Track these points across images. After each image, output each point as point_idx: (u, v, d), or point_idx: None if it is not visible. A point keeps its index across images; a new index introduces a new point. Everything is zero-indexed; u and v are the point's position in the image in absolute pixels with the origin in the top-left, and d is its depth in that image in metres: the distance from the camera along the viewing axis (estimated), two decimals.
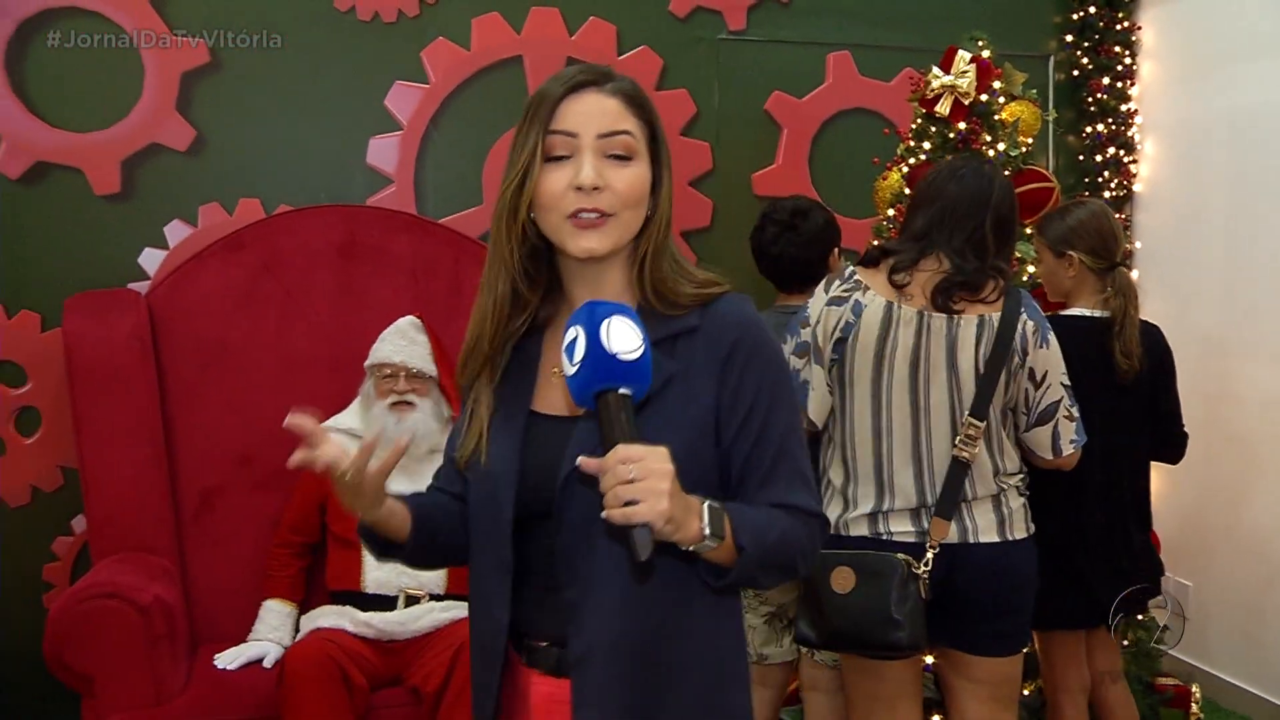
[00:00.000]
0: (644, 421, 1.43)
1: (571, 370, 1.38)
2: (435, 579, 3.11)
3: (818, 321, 2.43)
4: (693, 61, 3.93)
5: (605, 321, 1.38)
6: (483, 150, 3.75)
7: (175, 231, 3.59)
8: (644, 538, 1.32)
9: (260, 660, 3.10)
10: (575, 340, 1.38)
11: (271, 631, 3.18)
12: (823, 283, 2.49)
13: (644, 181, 1.51)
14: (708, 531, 1.39)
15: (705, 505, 1.40)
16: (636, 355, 1.38)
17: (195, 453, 3.38)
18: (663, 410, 1.48)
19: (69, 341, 3.24)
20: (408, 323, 3.25)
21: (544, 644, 1.53)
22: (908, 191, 3.36)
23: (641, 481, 1.31)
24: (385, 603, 3.08)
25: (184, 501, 3.36)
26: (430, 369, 3.22)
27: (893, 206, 3.41)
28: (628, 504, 1.31)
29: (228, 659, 3.11)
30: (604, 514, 1.33)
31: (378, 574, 3.09)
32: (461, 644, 2.89)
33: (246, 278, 3.45)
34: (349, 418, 3.28)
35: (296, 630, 3.18)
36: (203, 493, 3.37)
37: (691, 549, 1.40)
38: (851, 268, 2.47)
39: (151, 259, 3.58)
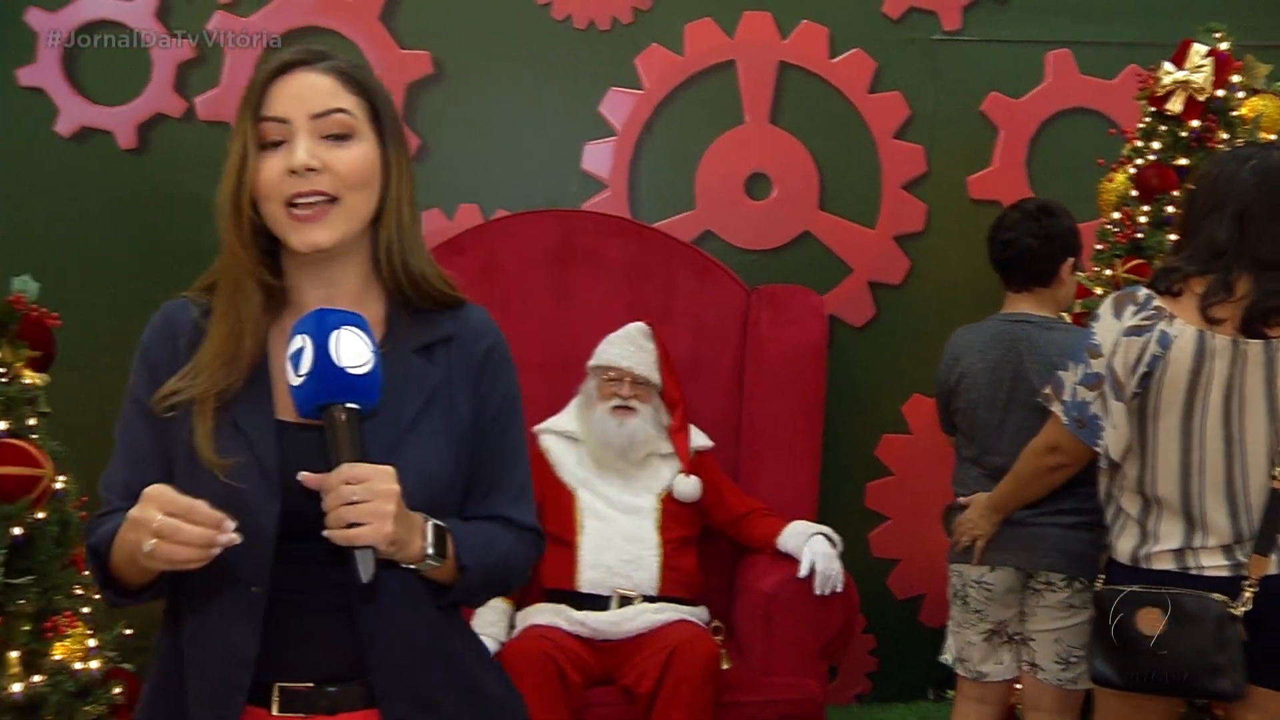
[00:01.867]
0: (405, 432, 1.41)
1: (297, 381, 1.32)
2: (649, 580, 3.15)
3: (1113, 353, 2.27)
4: (906, 63, 3.86)
5: (335, 332, 1.31)
6: (695, 154, 3.78)
7: None
8: (366, 559, 1.29)
9: None
10: (302, 350, 1.31)
11: (488, 627, 3.26)
12: (1107, 307, 2.32)
13: (368, 161, 1.41)
14: (430, 551, 1.36)
15: (430, 525, 1.37)
16: (366, 369, 1.32)
17: None
18: (429, 424, 1.43)
19: None
20: (636, 329, 3.30)
21: (313, 684, 1.39)
22: (1134, 193, 3.23)
23: (366, 503, 1.27)
24: (598, 602, 3.14)
25: None
26: (655, 377, 3.26)
27: (1118, 209, 3.28)
28: (351, 525, 1.27)
29: None
30: (325, 533, 1.28)
31: (591, 574, 3.15)
32: (676, 646, 2.92)
33: (466, 281, 3.45)
34: (566, 420, 3.35)
35: (511, 627, 3.27)
36: None
37: (414, 567, 1.36)
38: (1146, 292, 2.28)
39: None
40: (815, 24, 3.80)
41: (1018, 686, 2.88)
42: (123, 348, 3.99)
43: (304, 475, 1.30)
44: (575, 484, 3.26)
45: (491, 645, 3.20)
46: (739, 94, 3.78)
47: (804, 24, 3.80)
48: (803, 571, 3.07)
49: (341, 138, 1.40)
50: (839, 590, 3.08)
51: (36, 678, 2.47)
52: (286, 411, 1.40)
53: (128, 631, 2.79)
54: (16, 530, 2.47)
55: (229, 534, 1.26)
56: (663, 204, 3.79)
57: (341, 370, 1.30)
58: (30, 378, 2.64)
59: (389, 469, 1.30)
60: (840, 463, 3.74)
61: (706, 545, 3.39)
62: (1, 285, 2.65)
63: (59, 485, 2.63)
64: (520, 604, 3.32)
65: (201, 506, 1.26)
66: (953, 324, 3.02)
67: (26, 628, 2.51)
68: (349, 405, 1.32)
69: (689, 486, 3.26)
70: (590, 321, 3.44)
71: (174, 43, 3.64)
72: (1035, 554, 2.73)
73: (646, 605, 3.13)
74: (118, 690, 2.68)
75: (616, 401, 3.24)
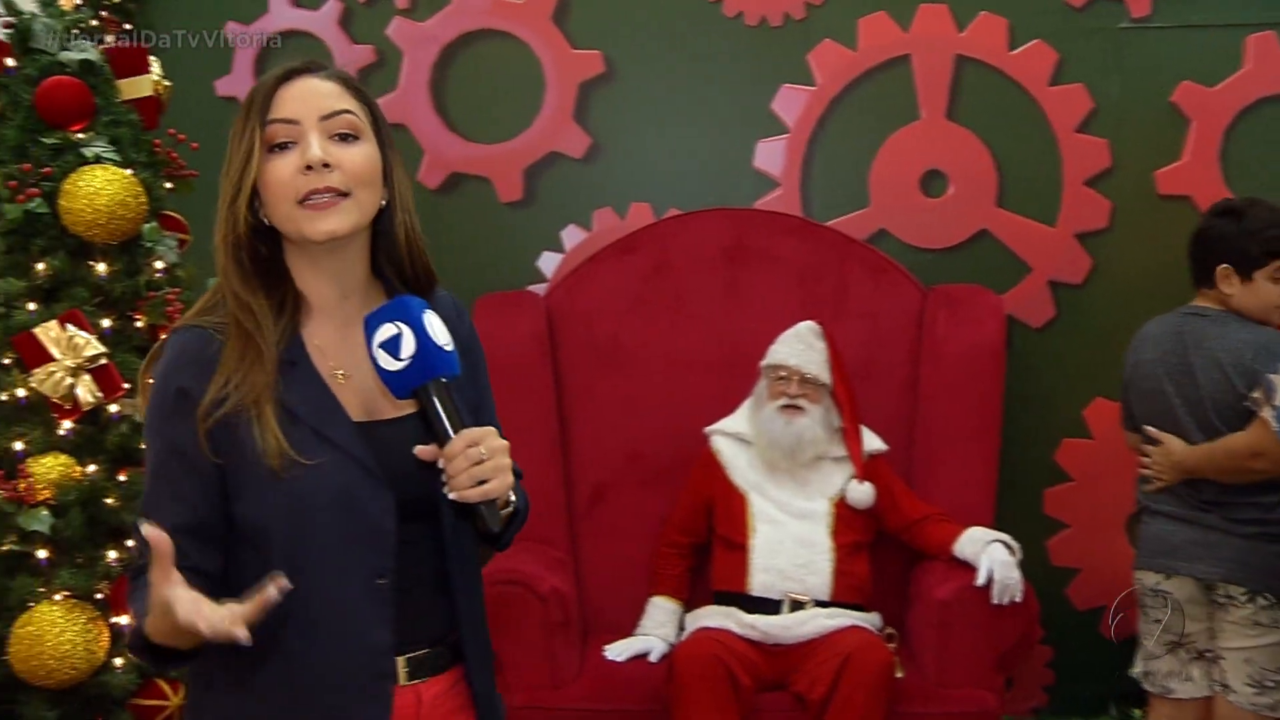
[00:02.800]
0: (461, 397, 1.48)
1: (398, 365, 1.39)
2: (821, 585, 3.11)
3: None
4: (1090, 53, 3.71)
5: (424, 314, 1.40)
6: (869, 151, 3.70)
7: (571, 235, 3.77)
8: (493, 511, 1.40)
9: (647, 654, 3.20)
10: (399, 337, 1.39)
11: (658, 628, 3.28)
12: None
13: (374, 161, 1.47)
14: (513, 497, 1.49)
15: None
16: (451, 345, 1.42)
17: (588, 448, 3.53)
18: (462, 388, 1.51)
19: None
20: (807, 328, 3.26)
21: (426, 649, 1.50)
22: None
23: (490, 460, 1.37)
24: (770, 606, 3.10)
25: (577, 495, 3.52)
26: (825, 376, 3.21)
27: None
28: (481, 482, 1.37)
29: (616, 651, 3.23)
30: (453, 495, 1.37)
31: (763, 577, 3.12)
32: (849, 653, 2.87)
33: (638, 280, 3.57)
34: (738, 421, 3.32)
35: (681, 628, 3.27)
36: (595, 488, 3.52)
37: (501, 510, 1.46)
38: None
39: (549, 262, 3.77)
40: (994, 15, 3.68)
41: None
42: None
43: (420, 449, 1.40)
44: (747, 487, 3.23)
45: (660, 646, 3.21)
46: (914, 89, 3.69)
47: (982, 15, 3.68)
48: (980, 579, 2.98)
49: (348, 137, 1.45)
50: (1018, 600, 2.98)
51: None
52: (356, 412, 1.48)
53: None
54: None
55: (278, 588, 1.31)
56: (836, 202, 3.72)
57: (440, 348, 1.40)
58: None
59: (492, 428, 1.42)
60: (1018, 468, 3.62)
61: (879, 550, 3.33)
62: (199, 286, 2.76)
63: None
64: (690, 605, 3.31)
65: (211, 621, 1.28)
66: (1137, 324, 2.92)
67: None
68: (442, 379, 1.41)
69: (862, 493, 3.20)
70: (763, 321, 3.40)
71: (355, 49, 3.74)
72: (1213, 563, 2.64)
73: (818, 610, 3.09)
74: None
75: (784, 400, 3.20)
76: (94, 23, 2.91)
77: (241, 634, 1.27)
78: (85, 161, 2.57)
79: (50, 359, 2.48)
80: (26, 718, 2.48)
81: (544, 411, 3.47)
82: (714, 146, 3.75)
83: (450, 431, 1.39)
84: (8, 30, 2.64)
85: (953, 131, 3.69)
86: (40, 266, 2.55)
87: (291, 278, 1.51)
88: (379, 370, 1.41)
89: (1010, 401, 3.50)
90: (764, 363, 3.28)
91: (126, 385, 2.54)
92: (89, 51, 2.66)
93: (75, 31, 2.71)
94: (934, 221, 3.71)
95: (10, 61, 2.62)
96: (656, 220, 3.70)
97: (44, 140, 2.59)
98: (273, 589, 1.30)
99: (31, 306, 2.55)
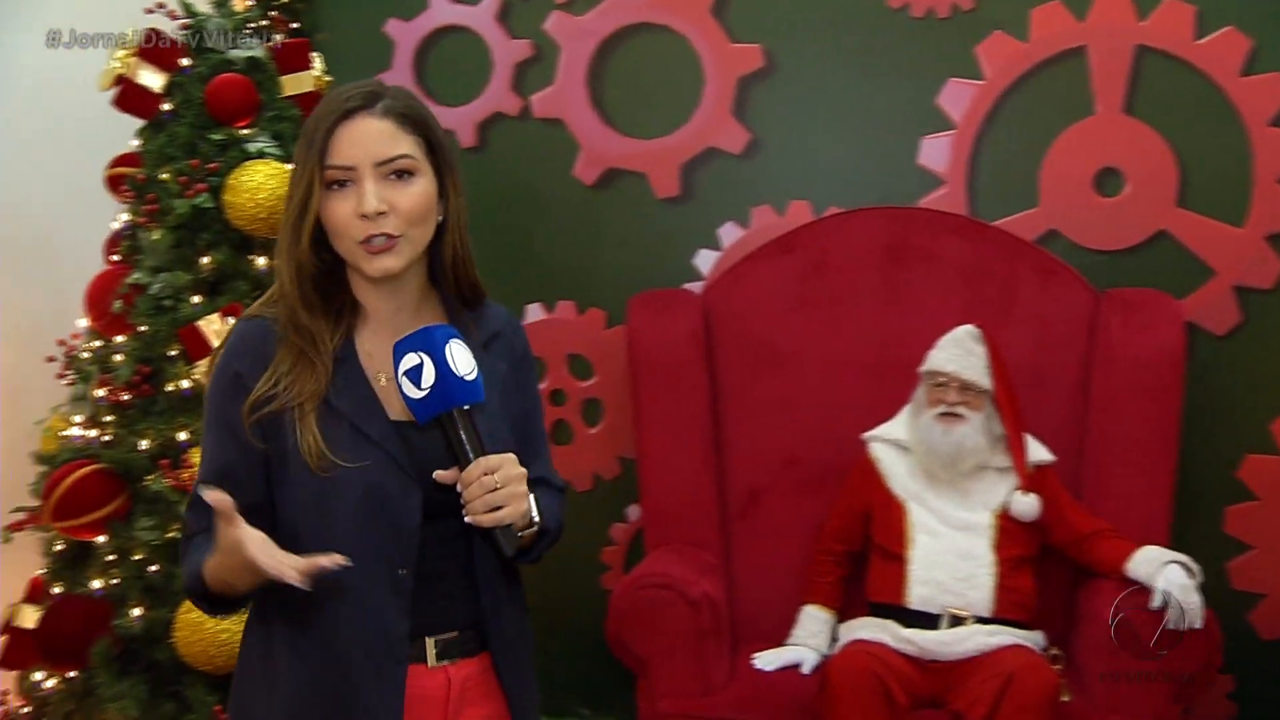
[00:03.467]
0: (492, 420, 1.59)
1: (419, 394, 1.48)
2: (983, 600, 2.97)
3: None
4: None
5: (447, 346, 1.48)
6: (1040, 148, 3.53)
7: (728, 233, 3.70)
8: (509, 535, 1.49)
9: (798, 665, 3.12)
10: (420, 366, 1.47)
11: (810, 638, 3.19)
12: None
13: (428, 196, 1.55)
14: (535, 519, 1.56)
15: (530, 497, 1.56)
16: (475, 374, 1.50)
17: (743, 451, 3.46)
18: (500, 410, 1.62)
19: (633, 338, 3.43)
20: (966, 332, 3.12)
21: (455, 633, 1.60)
22: None
23: (504, 488, 1.47)
24: (928, 620, 2.98)
25: (730, 499, 3.45)
26: (984, 382, 3.07)
27: None
28: (494, 509, 1.46)
29: (766, 660, 3.15)
30: (469, 519, 1.47)
31: (922, 590, 3.01)
32: (1012, 672, 2.74)
33: (796, 280, 3.48)
34: (896, 427, 3.21)
35: (834, 639, 3.17)
36: (749, 492, 3.44)
37: (520, 533, 1.54)
38: None
39: (705, 260, 3.71)
40: (1180, 2, 3.47)
41: None
42: None
43: (439, 474, 1.50)
44: (906, 496, 3.12)
45: (812, 657, 3.12)
46: (1090, 82, 3.51)
47: (1166, 2, 3.48)
48: (1156, 603, 2.81)
49: (404, 174, 1.53)
50: (1197, 626, 2.80)
51: None
52: (395, 412, 1.58)
53: None
54: None
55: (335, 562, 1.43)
56: (1004, 201, 3.56)
57: (461, 379, 1.48)
58: None
59: (512, 456, 1.51)
60: (1197, 484, 3.42)
61: (1044, 565, 3.17)
62: None
63: None
64: (843, 615, 3.22)
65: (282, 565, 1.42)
66: None
67: None
68: (464, 406, 1.50)
69: (1027, 506, 3.05)
70: (924, 324, 3.27)
71: (513, 44, 3.73)
72: None
73: (979, 626, 2.96)
74: None
75: (943, 408, 3.08)
76: (264, 22, 2.97)
77: (295, 577, 1.40)
78: (249, 157, 2.61)
79: (213, 351, 2.52)
80: (190, 700, 2.53)
81: (698, 412, 3.41)
82: (876, 143, 3.63)
83: (470, 457, 1.49)
84: (184, 31, 2.70)
85: (1130, 126, 3.49)
86: (205, 260, 2.61)
87: (350, 288, 1.62)
88: (403, 396, 1.50)
89: (1190, 413, 3.30)
90: (923, 368, 3.16)
91: None
92: (255, 49, 2.71)
93: (246, 30, 2.76)
94: (1108, 221, 3.52)
95: (185, 61, 2.67)
96: (816, 218, 3.60)
97: (211, 136, 2.65)
98: (327, 560, 1.42)
99: (196, 299, 2.60)
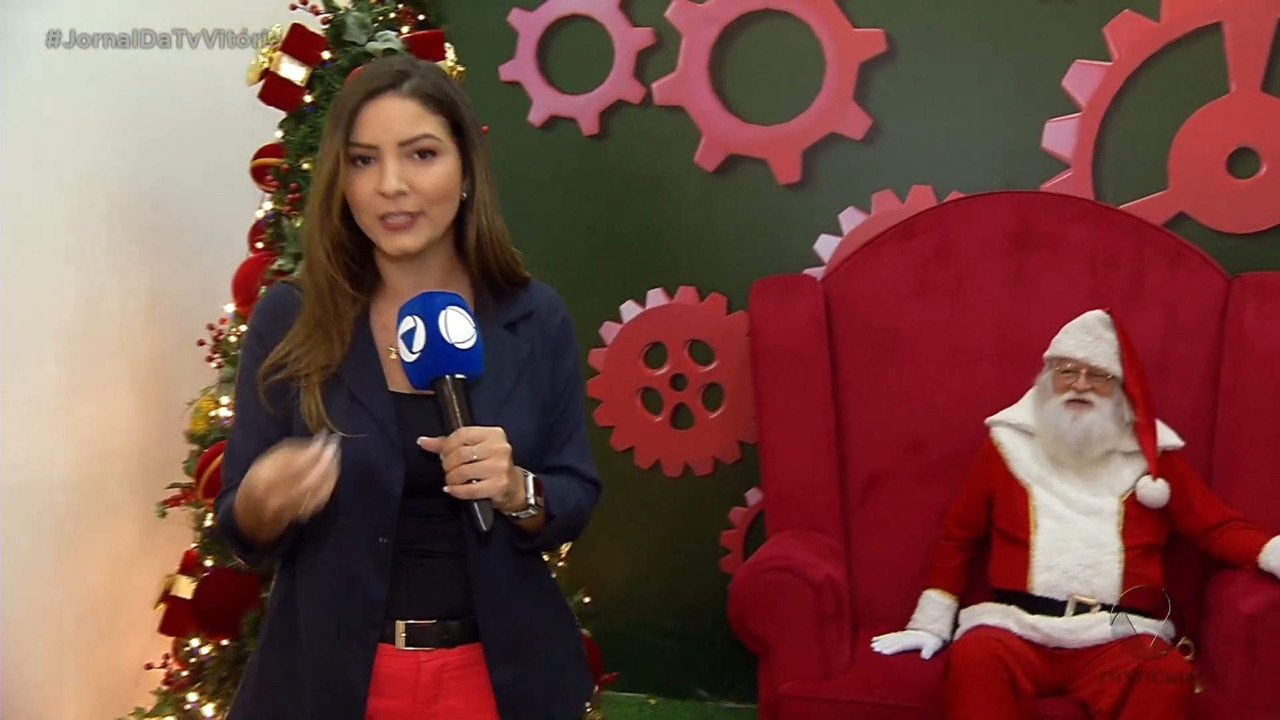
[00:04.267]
0: (505, 398, 1.59)
1: (411, 358, 1.49)
2: (1109, 587, 2.94)
3: None
4: None
5: (442, 313, 1.48)
6: (1170, 129, 3.46)
7: (849, 218, 3.70)
8: (485, 510, 1.47)
9: (918, 650, 3.12)
10: (414, 330, 1.48)
11: (931, 623, 3.19)
12: None
13: (450, 176, 1.56)
14: (532, 501, 1.54)
15: (530, 478, 1.56)
16: (470, 344, 1.49)
17: (864, 437, 3.47)
18: (521, 392, 1.62)
19: (754, 324, 3.45)
20: (1095, 317, 3.08)
21: (431, 621, 1.58)
22: None
23: (483, 461, 1.45)
24: (1053, 607, 2.96)
25: (851, 484, 3.46)
26: (1115, 369, 3.04)
27: None
28: (470, 480, 1.44)
29: (886, 644, 3.16)
30: (447, 489, 1.46)
31: (1046, 576, 2.98)
32: (1141, 664, 2.71)
33: (918, 265, 3.47)
34: (1021, 412, 3.18)
35: (955, 624, 3.17)
36: (870, 477, 3.45)
37: (515, 516, 1.54)
38: None
39: (826, 245, 3.71)
40: None
41: None
42: (580, 320, 4.25)
43: (424, 440, 1.49)
44: (1030, 481, 3.10)
45: (932, 642, 3.12)
46: (1224, 60, 3.43)
47: None
48: None
49: (427, 153, 1.55)
50: None
51: None
52: (397, 384, 1.58)
53: (587, 599, 2.94)
54: None
55: (328, 448, 1.43)
56: (1131, 184, 3.50)
57: (452, 346, 1.48)
58: None
59: (499, 430, 1.49)
60: None
61: (1171, 554, 3.13)
62: None
63: None
64: (965, 601, 3.21)
65: (294, 456, 1.42)
66: None
67: None
68: (458, 376, 1.49)
69: (1155, 492, 3.01)
70: (1049, 309, 3.25)
71: (634, 32, 3.77)
72: None
73: (1105, 614, 2.93)
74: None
75: (1071, 395, 3.04)
76: (392, 15, 3.05)
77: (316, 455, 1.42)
78: None
79: None
80: None
81: (820, 398, 3.42)
82: (999, 127, 3.59)
83: (455, 426, 1.48)
84: (325, 26, 2.79)
85: (1268, 105, 3.41)
86: None
87: (374, 260, 1.64)
88: (400, 359, 1.52)
89: None
90: (1048, 354, 3.13)
91: None
92: (392, 41, 2.78)
93: (380, 21, 2.83)
94: (1242, 204, 3.44)
95: (326, 55, 2.76)
96: (938, 204, 3.58)
97: None
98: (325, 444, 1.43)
99: None
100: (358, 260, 1.62)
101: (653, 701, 3.90)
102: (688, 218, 3.80)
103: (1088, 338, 3.06)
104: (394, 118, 1.54)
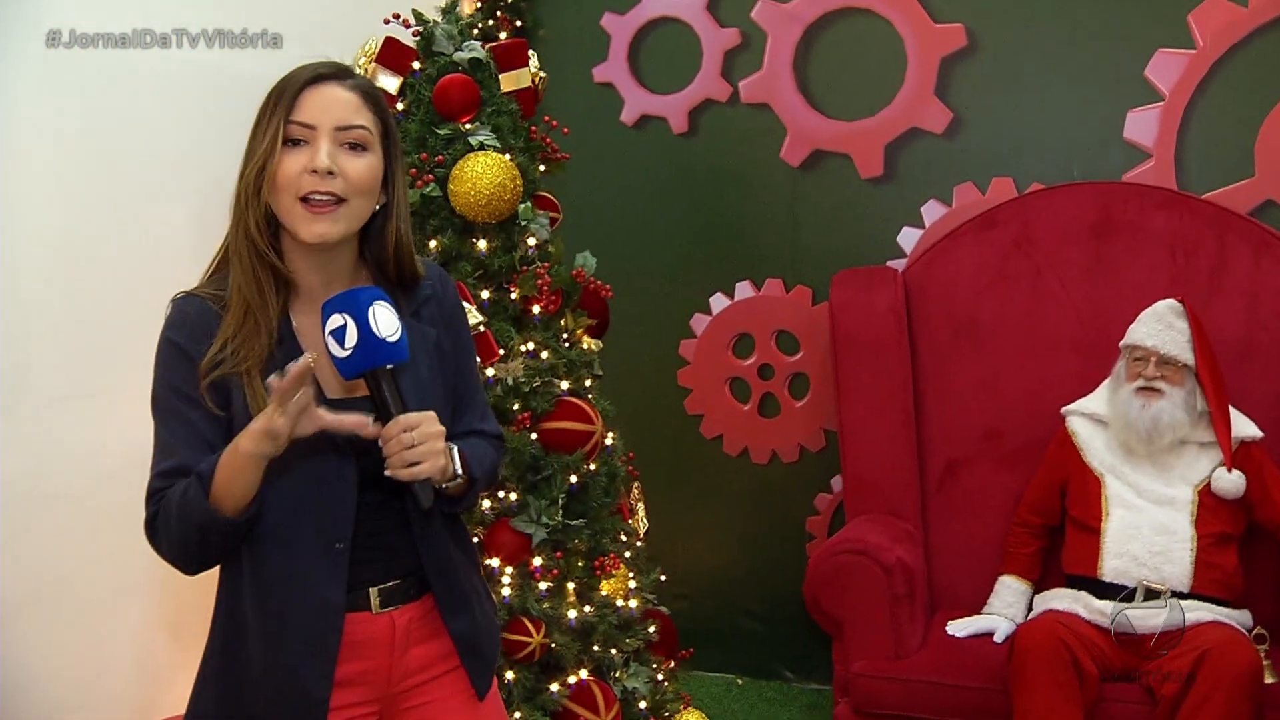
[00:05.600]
0: (421, 384, 1.68)
1: (344, 354, 1.55)
2: (1180, 575, 2.96)
3: None
4: None
5: (370, 308, 1.55)
6: (1257, 117, 3.43)
7: (931, 211, 3.76)
8: (426, 489, 1.59)
9: (991, 633, 3.17)
10: (344, 327, 1.54)
11: (1006, 607, 3.24)
12: None
13: (376, 172, 1.62)
14: (458, 470, 1.66)
15: (455, 449, 1.66)
16: (397, 336, 1.57)
17: (942, 424, 3.53)
18: (431, 372, 1.71)
19: (834, 313, 3.54)
20: (1166, 306, 3.10)
21: (397, 581, 1.70)
22: None
23: (422, 445, 1.55)
24: (1123, 593, 3.00)
25: (929, 470, 3.53)
26: (1185, 357, 3.05)
27: None
28: (412, 464, 1.55)
29: (959, 627, 3.22)
30: (388, 473, 1.55)
31: (1116, 563, 3.02)
32: (1209, 648, 2.73)
33: (998, 256, 3.52)
34: (1095, 401, 3.21)
35: (1029, 609, 3.22)
36: (948, 464, 3.51)
37: (444, 486, 1.64)
38: None
39: (909, 237, 3.78)
40: None
41: None
42: (667, 316, 4.35)
43: (364, 431, 1.55)
44: (1103, 469, 3.13)
45: (1005, 625, 3.18)
46: None
47: None
48: None
49: (357, 147, 1.61)
50: None
51: (587, 608, 2.80)
52: (331, 389, 1.64)
53: (663, 577, 3.07)
54: (573, 478, 2.81)
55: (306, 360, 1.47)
56: (1215, 173, 3.48)
57: (382, 340, 1.56)
58: (588, 343, 2.98)
59: (432, 414, 1.58)
60: None
61: (1254, 545, 3.13)
62: (567, 261, 3.01)
63: (609, 441, 2.95)
64: (1040, 586, 3.26)
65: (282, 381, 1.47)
66: None
67: (580, 564, 2.85)
68: (388, 367, 1.58)
69: (1229, 483, 3.01)
70: (1131, 299, 3.26)
71: (722, 33, 3.89)
72: None
73: (1176, 601, 2.95)
74: (652, 628, 2.98)
75: (1141, 383, 3.07)
76: (490, 22, 3.22)
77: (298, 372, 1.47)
78: (471, 149, 2.85)
79: None
80: None
81: (900, 385, 3.50)
82: (1080, 118, 3.61)
83: (391, 414, 1.56)
84: (416, 38, 2.97)
85: None
86: (433, 244, 2.86)
87: (286, 262, 1.66)
88: (330, 356, 1.57)
89: None
90: (1123, 343, 3.16)
91: (501, 351, 2.81)
92: (477, 51, 2.95)
93: (474, 32, 3.00)
94: None
95: (416, 65, 2.95)
96: (1018, 195, 3.62)
97: (439, 131, 2.89)
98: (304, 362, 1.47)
99: None
100: (272, 258, 1.64)
101: (740, 681, 4.02)
102: (774, 212, 3.91)
103: (1158, 326, 3.08)
104: (336, 102, 1.60)
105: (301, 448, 1.57)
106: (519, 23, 3.85)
